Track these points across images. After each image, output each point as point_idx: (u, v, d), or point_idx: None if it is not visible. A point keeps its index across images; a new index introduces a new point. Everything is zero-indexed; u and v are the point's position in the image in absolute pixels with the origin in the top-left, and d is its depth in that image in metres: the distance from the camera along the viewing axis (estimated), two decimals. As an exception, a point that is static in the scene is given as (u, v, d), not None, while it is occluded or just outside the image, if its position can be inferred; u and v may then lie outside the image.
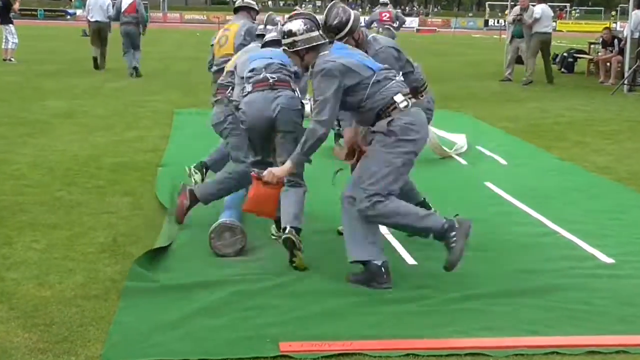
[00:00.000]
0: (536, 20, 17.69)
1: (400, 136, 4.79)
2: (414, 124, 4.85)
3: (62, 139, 9.74)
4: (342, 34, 5.48)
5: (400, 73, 5.20)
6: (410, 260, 5.47)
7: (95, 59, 19.34)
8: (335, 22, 5.48)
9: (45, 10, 67.16)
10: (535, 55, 18.08)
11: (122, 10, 18.03)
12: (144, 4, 18.45)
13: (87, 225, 6.05)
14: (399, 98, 4.84)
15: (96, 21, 18.96)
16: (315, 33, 5.02)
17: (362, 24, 5.83)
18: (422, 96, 5.95)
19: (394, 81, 4.95)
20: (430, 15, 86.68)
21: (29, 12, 64.61)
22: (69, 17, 65.61)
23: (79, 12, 65.98)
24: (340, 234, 5.52)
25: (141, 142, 9.74)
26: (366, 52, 5.44)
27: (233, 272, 5.13)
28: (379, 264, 4.90)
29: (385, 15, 18.72)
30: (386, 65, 5.14)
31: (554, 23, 73.21)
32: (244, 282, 4.93)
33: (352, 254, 4.96)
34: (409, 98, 4.90)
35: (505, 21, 23.45)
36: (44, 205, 6.59)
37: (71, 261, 5.21)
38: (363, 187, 4.82)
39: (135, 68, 18.10)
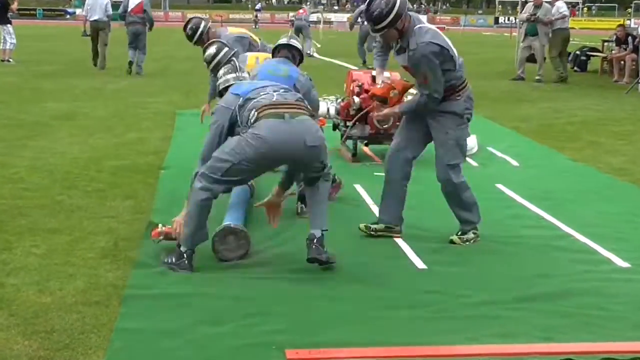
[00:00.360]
0: (564, 16, 17.68)
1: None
2: (260, 136, 4.97)
3: (62, 142, 9.76)
4: (381, 25, 5.51)
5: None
6: (420, 264, 5.46)
7: (94, 56, 19.97)
8: (375, 12, 5.50)
9: (44, 10, 67.46)
10: (558, 52, 18.29)
11: (129, 10, 18.50)
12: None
13: (88, 230, 6.06)
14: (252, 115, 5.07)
15: (95, 20, 19.39)
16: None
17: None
18: (459, 96, 5.83)
19: (263, 95, 5.19)
20: (438, 13, 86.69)
21: (28, 12, 64.86)
22: (68, 16, 65.87)
23: (78, 11, 66.12)
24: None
25: (142, 144, 9.75)
26: (408, 43, 5.56)
27: (236, 277, 5.13)
28: None
29: None
30: (262, 84, 5.42)
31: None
32: (247, 288, 4.93)
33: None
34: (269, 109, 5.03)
35: (516, 19, 23.38)
36: (44, 210, 6.60)
37: (72, 267, 5.21)
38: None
39: (139, 67, 18.63)
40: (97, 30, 19.48)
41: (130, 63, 18.69)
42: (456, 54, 5.72)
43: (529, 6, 18.32)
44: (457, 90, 5.75)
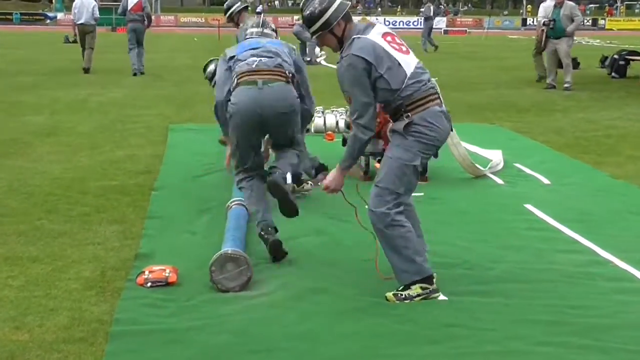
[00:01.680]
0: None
1: None
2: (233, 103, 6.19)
3: (42, 160, 9.80)
4: (313, 28, 5.35)
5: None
6: (440, 295, 5.44)
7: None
8: (307, 12, 5.37)
9: (21, 14, 67.79)
10: (539, 52, 19.65)
11: (129, 8, 21.14)
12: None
13: (71, 258, 6.08)
14: None
15: (82, 23, 21.42)
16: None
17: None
18: (407, 116, 5.21)
19: (246, 61, 6.36)
20: (459, 15, 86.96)
21: (3, 16, 65.32)
22: (49, 21, 66.21)
23: (60, 15, 66.65)
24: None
25: (132, 162, 9.78)
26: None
27: (235, 310, 5.13)
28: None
29: None
30: (252, 45, 6.45)
31: (603, 21, 73.39)
32: (248, 321, 4.93)
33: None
34: None
35: (548, 19, 23.42)
36: (22, 236, 6.62)
37: (53, 300, 5.21)
38: None
39: (139, 69, 21.22)
40: (84, 34, 21.43)
41: (134, 68, 21.01)
42: (403, 70, 5.22)
43: (547, 6, 18.41)
44: (405, 110, 5.22)
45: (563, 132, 12.58)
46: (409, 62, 5.28)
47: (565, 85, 18.09)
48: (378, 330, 4.85)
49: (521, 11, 79.97)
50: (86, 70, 21.44)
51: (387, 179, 5.24)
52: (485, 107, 15.47)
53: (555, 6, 18.08)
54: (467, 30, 60.81)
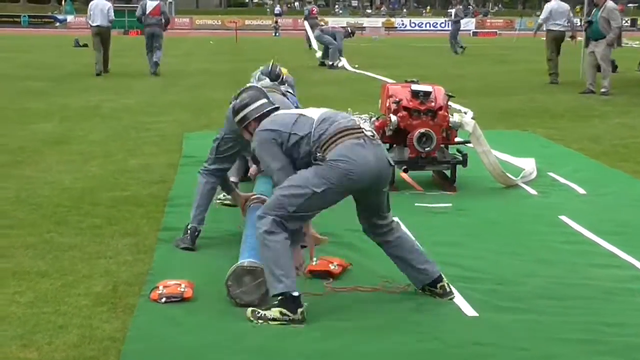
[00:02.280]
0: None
1: None
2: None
3: (52, 170, 9.86)
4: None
5: None
6: (469, 310, 5.44)
7: (96, 65, 22.50)
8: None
9: (29, 17, 68.32)
10: (554, 53, 20.46)
11: (147, 12, 22.31)
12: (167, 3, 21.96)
13: (82, 273, 6.10)
14: None
15: (97, 25, 22.43)
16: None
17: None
18: (321, 159, 5.36)
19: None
20: (489, 15, 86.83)
21: (11, 19, 65.87)
22: (58, 24, 66.68)
23: (70, 18, 67.09)
24: None
25: (145, 172, 9.82)
26: None
27: (253, 326, 5.14)
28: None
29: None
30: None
31: (625, 22, 72.87)
32: (265, 340, 4.94)
33: None
34: None
35: (581, 20, 23.35)
36: (30, 249, 6.66)
37: (62, 316, 5.24)
38: None
39: (156, 63, 22.45)
40: (99, 36, 22.37)
41: (156, 63, 22.44)
42: (309, 118, 5.52)
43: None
44: (317, 153, 5.37)
45: (599, 139, 12.52)
46: (315, 111, 5.61)
47: (603, 89, 18.00)
48: (402, 349, 4.85)
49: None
50: (99, 74, 22.07)
51: (282, 192, 5.35)
52: (517, 113, 15.43)
53: (595, 6, 18.01)
54: (498, 32, 60.74)
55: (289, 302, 5.18)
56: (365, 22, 71.01)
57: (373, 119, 9.12)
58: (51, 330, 4.99)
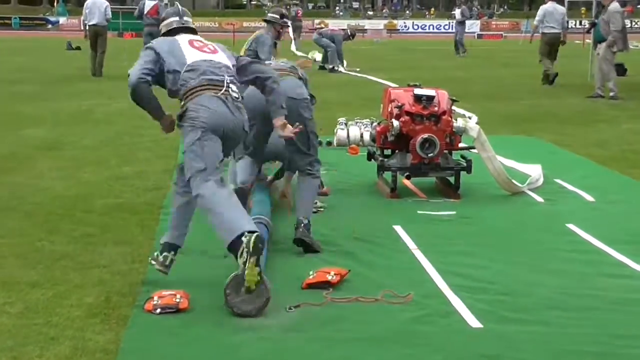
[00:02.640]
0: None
1: None
2: None
3: (43, 176, 9.86)
4: None
5: None
6: (473, 322, 5.43)
7: (93, 65, 23.19)
8: None
9: (21, 19, 68.32)
10: (545, 54, 21.26)
11: (145, 12, 22.56)
12: (164, 4, 21.92)
13: (73, 283, 6.09)
14: None
15: (94, 24, 22.89)
16: None
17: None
18: (182, 106, 6.23)
19: None
20: (495, 17, 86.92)
21: (1, 21, 65.86)
22: (50, 26, 66.75)
23: (62, 20, 67.15)
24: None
25: (140, 178, 9.82)
26: None
27: (250, 338, 5.13)
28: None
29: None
30: None
31: (635, 24, 72.96)
32: (264, 352, 4.93)
33: None
34: None
35: (588, 22, 23.42)
36: (20, 259, 6.65)
37: (53, 328, 5.23)
38: None
39: None
40: (96, 36, 22.85)
41: None
42: (184, 57, 6.24)
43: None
44: (183, 99, 6.18)
45: (608, 144, 12.53)
46: (199, 56, 6.25)
47: (611, 94, 18.02)
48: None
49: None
50: (94, 75, 22.58)
51: (187, 167, 6.02)
52: (523, 117, 15.44)
53: (603, 7, 18.03)
54: (503, 35, 60.80)
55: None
56: (367, 24, 71.02)
57: (375, 123, 9.14)
58: (42, 342, 4.98)
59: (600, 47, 18.08)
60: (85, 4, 23.31)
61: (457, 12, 36.84)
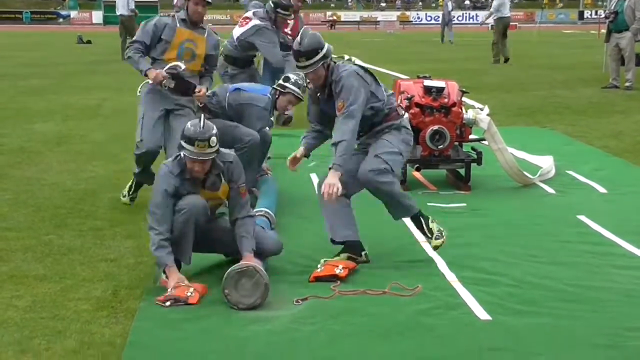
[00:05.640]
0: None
1: None
2: None
3: (52, 171, 9.92)
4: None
5: None
6: (483, 314, 5.44)
7: (122, 49, 25.18)
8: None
9: (32, 13, 68.41)
10: (499, 39, 25.32)
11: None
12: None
13: (81, 276, 6.14)
14: None
15: (120, 15, 26.97)
16: None
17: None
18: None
19: None
20: (510, 8, 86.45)
21: (12, 15, 65.99)
22: (61, 20, 66.79)
23: (73, 13, 67.20)
24: None
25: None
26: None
27: (258, 331, 5.16)
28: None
29: None
30: None
31: None
32: (271, 345, 4.96)
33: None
34: None
35: (604, 12, 23.33)
36: (29, 252, 6.70)
37: (61, 321, 5.27)
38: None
39: None
40: (122, 23, 26.71)
41: None
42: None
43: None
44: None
45: (622, 135, 12.49)
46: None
47: (627, 84, 17.94)
48: (416, 354, 4.87)
49: (579, 3, 79.40)
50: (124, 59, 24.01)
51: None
52: (537, 109, 15.41)
53: None
54: (517, 25, 60.53)
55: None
56: (380, 15, 70.90)
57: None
58: (49, 336, 5.03)
59: (619, 36, 17.89)
60: None
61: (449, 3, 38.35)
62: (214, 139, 5.83)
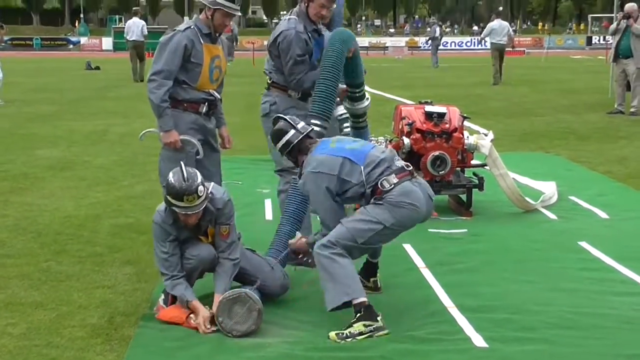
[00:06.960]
0: None
1: None
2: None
3: (54, 196, 9.92)
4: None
5: None
6: (479, 341, 5.40)
7: (132, 74, 28.99)
8: None
9: (42, 39, 68.80)
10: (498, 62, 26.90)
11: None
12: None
13: (77, 303, 6.12)
14: None
15: (134, 40, 28.87)
16: None
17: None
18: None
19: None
20: (517, 33, 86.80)
21: (23, 42, 66.38)
22: (71, 46, 67.14)
23: (84, 40, 67.57)
24: None
25: (151, 198, 9.81)
26: None
27: (253, 356, 5.14)
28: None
29: None
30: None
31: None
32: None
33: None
34: None
35: (611, 37, 23.33)
36: (26, 279, 6.69)
37: (55, 349, 5.25)
38: None
39: None
40: (135, 49, 28.81)
41: None
42: None
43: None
44: None
45: (626, 161, 12.45)
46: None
47: (632, 109, 17.89)
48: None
49: (587, 29, 79.53)
50: (137, 81, 27.74)
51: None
52: (542, 134, 15.38)
53: (629, 18, 17.80)
54: (526, 51, 60.65)
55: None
56: (388, 41, 71.13)
57: (387, 141, 9.10)
58: (42, 364, 5.00)
59: (627, 62, 17.84)
60: (127, 23, 30.11)
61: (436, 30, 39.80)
62: (200, 188, 5.65)
